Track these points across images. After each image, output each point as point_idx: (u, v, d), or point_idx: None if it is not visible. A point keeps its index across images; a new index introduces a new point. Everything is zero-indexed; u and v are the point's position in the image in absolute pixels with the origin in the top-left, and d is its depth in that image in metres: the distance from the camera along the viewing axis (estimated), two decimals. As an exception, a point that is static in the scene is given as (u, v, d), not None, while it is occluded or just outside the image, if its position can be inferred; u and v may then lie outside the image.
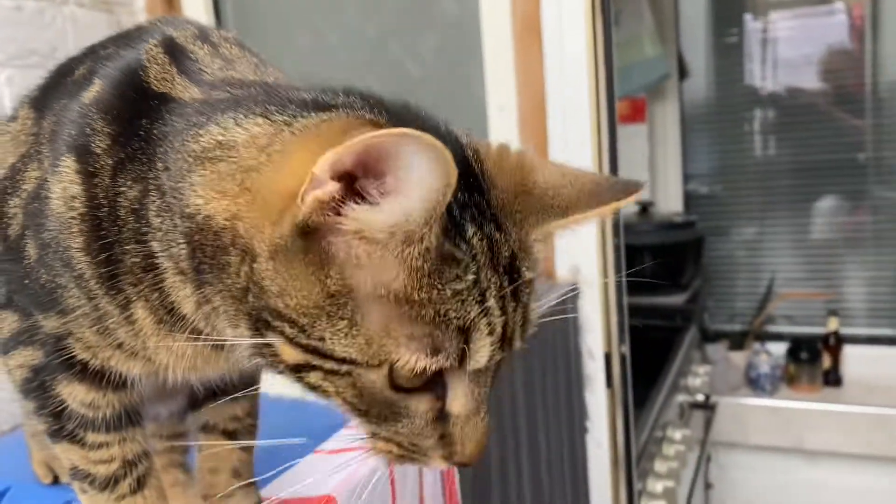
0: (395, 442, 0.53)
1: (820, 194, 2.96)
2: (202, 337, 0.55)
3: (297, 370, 0.50)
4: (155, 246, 0.54)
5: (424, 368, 0.48)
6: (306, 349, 0.48)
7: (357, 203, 0.45)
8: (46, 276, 0.58)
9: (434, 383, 0.51)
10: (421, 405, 0.52)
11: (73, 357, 0.61)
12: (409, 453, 0.54)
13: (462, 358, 0.49)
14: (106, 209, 0.55)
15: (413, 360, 0.47)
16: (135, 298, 0.56)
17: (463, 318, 0.47)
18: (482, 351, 0.49)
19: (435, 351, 0.47)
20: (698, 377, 2.41)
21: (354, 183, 0.45)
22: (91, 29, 1.58)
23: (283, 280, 0.47)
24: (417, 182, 0.43)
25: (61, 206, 0.56)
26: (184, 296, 0.55)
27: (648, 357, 1.88)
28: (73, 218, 0.56)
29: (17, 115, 0.66)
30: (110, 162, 0.56)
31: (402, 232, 0.45)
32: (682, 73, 3.14)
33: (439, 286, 0.47)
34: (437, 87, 1.51)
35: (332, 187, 0.44)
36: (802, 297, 2.98)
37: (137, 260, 0.55)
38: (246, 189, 0.49)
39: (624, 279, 1.45)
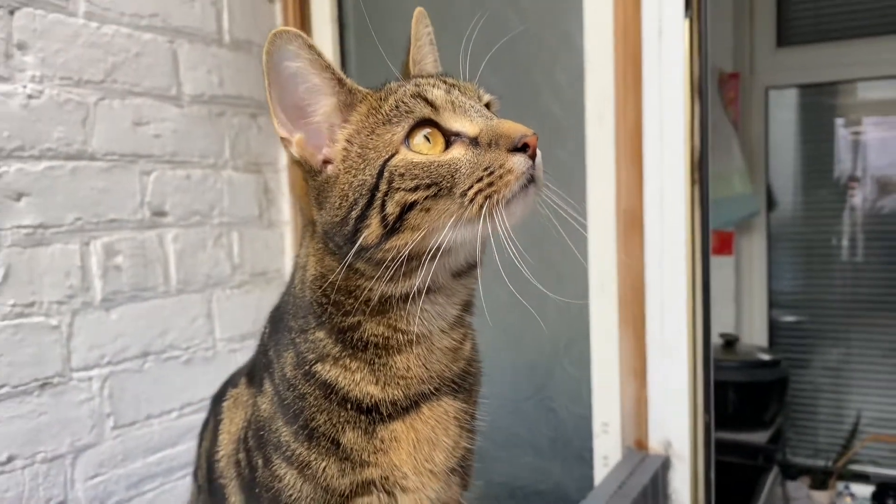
0: (478, 188, 0.73)
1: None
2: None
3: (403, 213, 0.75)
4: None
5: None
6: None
7: None
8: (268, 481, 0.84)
9: (449, 140, 0.77)
10: (457, 152, 0.75)
11: None
12: (496, 180, 0.73)
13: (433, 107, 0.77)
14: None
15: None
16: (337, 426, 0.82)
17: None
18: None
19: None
20: (779, 524, 2.42)
21: None
22: (243, 187, 1.81)
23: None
24: None
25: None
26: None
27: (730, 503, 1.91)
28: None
29: (238, 383, 0.92)
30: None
31: None
32: (770, 204, 3.23)
33: None
34: (542, 265, 1.66)
35: None
36: (893, 441, 2.95)
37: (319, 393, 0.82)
38: None
39: (713, 456, 1.54)
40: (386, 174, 0.74)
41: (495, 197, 0.73)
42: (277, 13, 1.91)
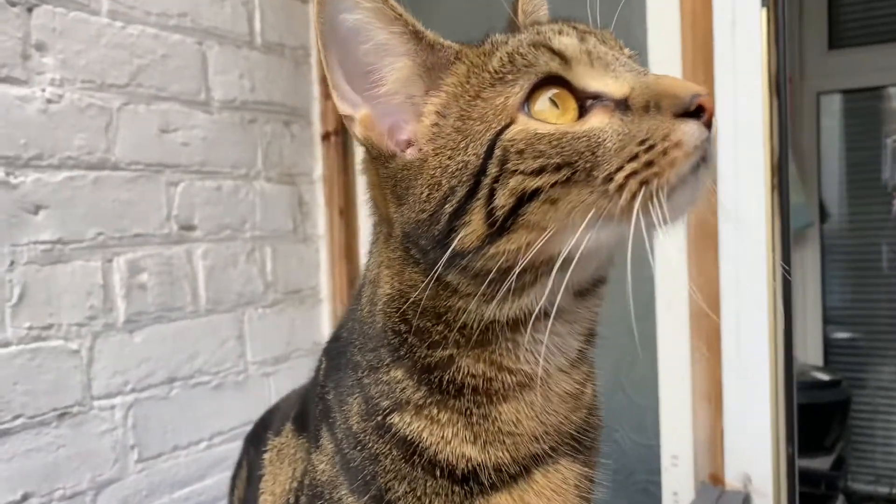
0: (631, 170, 0.54)
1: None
2: None
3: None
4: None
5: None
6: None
7: None
8: None
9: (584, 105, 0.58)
10: (598, 119, 0.56)
11: None
12: (658, 157, 0.53)
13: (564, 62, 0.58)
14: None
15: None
16: None
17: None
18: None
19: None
20: (849, 560, 2.24)
21: None
22: (276, 199, 1.69)
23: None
24: None
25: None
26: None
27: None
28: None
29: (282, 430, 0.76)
30: None
31: None
32: (823, 215, 3.07)
33: None
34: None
35: None
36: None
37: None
38: None
39: (797, 492, 1.39)
40: (498, 152, 0.56)
41: (655, 182, 0.53)
42: (312, 13, 1.81)
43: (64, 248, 1.29)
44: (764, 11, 1.34)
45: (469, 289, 0.60)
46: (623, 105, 0.56)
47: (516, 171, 0.55)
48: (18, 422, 1.22)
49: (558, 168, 0.54)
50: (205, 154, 1.53)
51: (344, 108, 0.63)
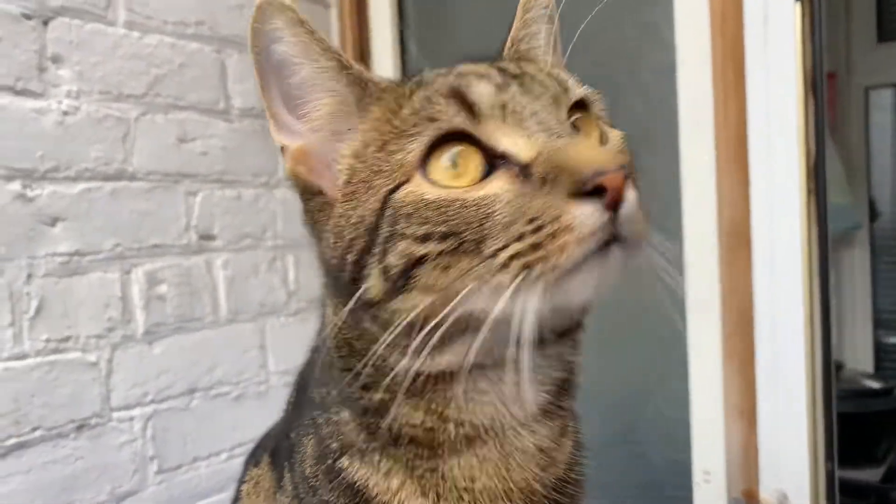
0: (515, 251, 0.48)
1: None
2: None
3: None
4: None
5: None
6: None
7: None
8: None
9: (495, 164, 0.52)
10: (496, 186, 0.51)
11: None
12: (546, 241, 0.47)
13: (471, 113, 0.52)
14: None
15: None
16: None
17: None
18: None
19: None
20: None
21: None
22: (298, 207, 1.67)
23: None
24: None
25: None
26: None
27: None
28: None
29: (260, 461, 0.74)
30: None
31: None
32: (873, 215, 2.95)
33: None
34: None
35: None
36: None
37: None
38: None
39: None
40: (389, 211, 0.52)
41: (539, 268, 0.47)
42: (333, 19, 1.79)
43: (81, 259, 1.28)
44: (798, 6, 1.27)
45: (386, 338, 0.55)
46: (527, 171, 0.50)
47: (404, 234, 0.51)
48: (36, 434, 1.22)
49: (444, 237, 0.50)
50: (224, 163, 1.52)
51: (281, 139, 0.61)
